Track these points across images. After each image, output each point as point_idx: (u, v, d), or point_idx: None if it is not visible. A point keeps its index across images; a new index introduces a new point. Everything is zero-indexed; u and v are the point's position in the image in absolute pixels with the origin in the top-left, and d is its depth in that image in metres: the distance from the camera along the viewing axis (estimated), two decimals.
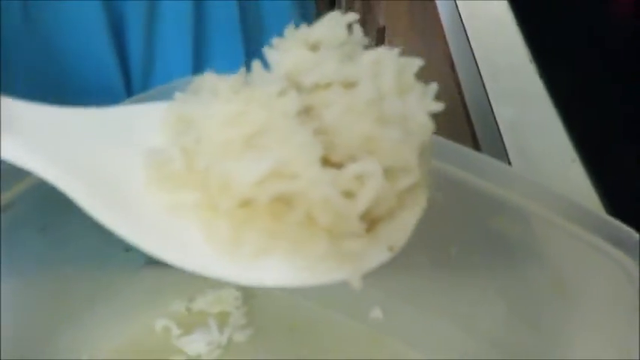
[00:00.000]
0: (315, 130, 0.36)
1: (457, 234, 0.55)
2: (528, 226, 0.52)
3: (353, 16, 0.41)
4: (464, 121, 0.79)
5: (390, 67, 0.38)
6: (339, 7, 1.41)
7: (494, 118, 0.73)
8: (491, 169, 0.52)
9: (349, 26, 0.41)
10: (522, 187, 0.52)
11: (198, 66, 0.65)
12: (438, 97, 0.39)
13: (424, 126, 0.37)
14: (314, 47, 0.40)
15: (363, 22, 1.29)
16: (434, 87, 0.39)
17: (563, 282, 0.52)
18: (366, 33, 0.41)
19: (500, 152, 0.69)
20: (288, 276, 0.34)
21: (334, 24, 0.40)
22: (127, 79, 0.64)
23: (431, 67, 0.94)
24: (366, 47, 0.40)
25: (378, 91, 0.37)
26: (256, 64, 0.39)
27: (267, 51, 0.40)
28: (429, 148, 0.38)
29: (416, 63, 0.39)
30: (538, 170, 0.67)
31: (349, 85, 0.38)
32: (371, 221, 0.35)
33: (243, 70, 0.39)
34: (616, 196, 0.64)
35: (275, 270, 0.34)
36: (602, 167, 0.66)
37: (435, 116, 0.38)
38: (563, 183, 0.66)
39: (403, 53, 0.39)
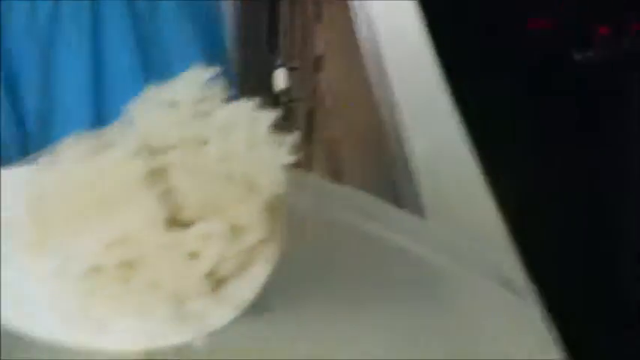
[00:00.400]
0: (163, 192, 0.36)
1: (360, 281, 0.55)
2: (431, 272, 0.52)
3: (212, 72, 0.41)
4: (382, 153, 0.80)
5: (242, 123, 0.38)
6: (279, 40, 1.42)
7: (409, 151, 0.73)
8: (397, 219, 0.53)
9: (208, 82, 0.41)
10: (423, 234, 0.52)
11: (100, 116, 0.65)
12: (296, 146, 0.40)
13: (274, 181, 0.37)
14: (172, 105, 0.40)
15: (303, 51, 1.29)
16: (291, 138, 0.40)
17: (468, 326, 0.53)
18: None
19: (414, 185, 0.70)
20: (135, 339, 0.34)
21: (192, 81, 0.40)
22: (23, 131, 0.64)
23: (360, 98, 0.94)
24: (226, 100, 0.41)
25: (227, 149, 0.37)
26: (116, 125, 0.40)
27: (125, 110, 0.40)
28: (283, 200, 0.38)
29: (270, 116, 0.39)
30: (449, 205, 0.67)
31: (201, 142, 0.38)
32: (218, 280, 0.36)
33: (101, 131, 0.40)
34: (525, 230, 0.64)
35: (122, 334, 0.35)
36: (512, 199, 0.66)
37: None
38: (475, 220, 0.66)
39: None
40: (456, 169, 0.71)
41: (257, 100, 0.40)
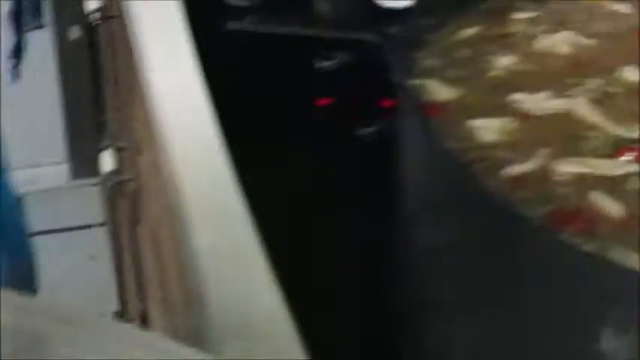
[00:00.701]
0: None
1: None
2: None
3: None
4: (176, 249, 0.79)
5: None
6: (106, 120, 1.40)
7: (194, 244, 0.72)
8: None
9: None
10: None
11: None
12: None
13: None
14: None
15: (128, 132, 1.29)
16: None
17: None
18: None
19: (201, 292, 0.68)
20: None
21: None
22: None
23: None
24: None
25: None
26: None
27: None
28: None
29: None
30: (237, 310, 0.67)
31: None
32: None
33: None
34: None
35: None
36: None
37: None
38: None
39: None
40: (243, 268, 0.70)
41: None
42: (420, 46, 0.69)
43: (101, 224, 1.77)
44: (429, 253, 0.60)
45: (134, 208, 1.30)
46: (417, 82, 0.66)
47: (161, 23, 1.00)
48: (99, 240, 1.80)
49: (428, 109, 0.64)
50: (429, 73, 0.67)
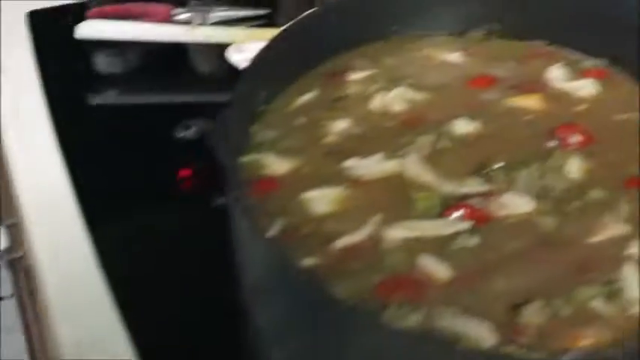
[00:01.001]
0: None
1: None
2: None
3: None
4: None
5: None
6: None
7: (58, 335, 0.72)
8: None
9: None
10: None
11: None
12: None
13: None
14: None
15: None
16: None
17: None
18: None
19: None
20: None
21: None
22: None
23: None
24: None
25: None
26: None
27: None
28: None
29: None
30: None
31: None
32: None
33: None
34: None
35: None
36: None
37: None
38: None
39: None
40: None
41: None
42: (254, 117, 0.68)
43: (12, 295, 1.75)
44: (260, 335, 0.60)
45: (31, 284, 1.29)
46: (250, 157, 0.66)
47: (21, 103, 0.99)
48: (13, 312, 1.77)
49: (261, 185, 0.63)
50: (264, 147, 0.66)
